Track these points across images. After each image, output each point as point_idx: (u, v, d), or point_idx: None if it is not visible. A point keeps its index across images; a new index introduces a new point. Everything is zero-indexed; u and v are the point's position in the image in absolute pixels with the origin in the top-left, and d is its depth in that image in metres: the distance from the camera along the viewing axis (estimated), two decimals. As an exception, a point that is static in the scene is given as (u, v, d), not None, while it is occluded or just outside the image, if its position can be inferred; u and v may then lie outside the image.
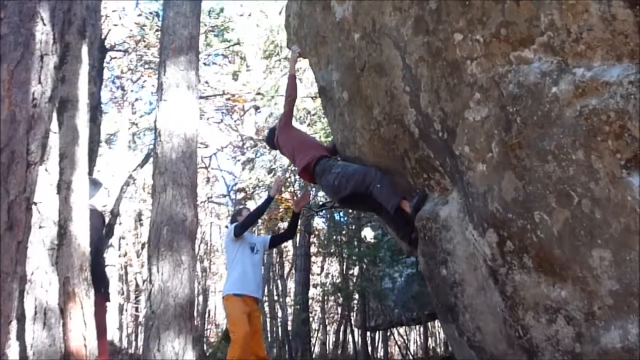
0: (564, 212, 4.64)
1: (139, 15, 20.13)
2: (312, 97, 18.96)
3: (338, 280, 24.77)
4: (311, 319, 25.59)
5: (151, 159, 10.67)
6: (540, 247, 4.86)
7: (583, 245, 4.54)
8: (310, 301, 22.98)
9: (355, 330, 22.94)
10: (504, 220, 5.09)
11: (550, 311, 4.94)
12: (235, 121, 23.17)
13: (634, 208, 4.23)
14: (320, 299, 28.72)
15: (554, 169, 4.66)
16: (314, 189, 19.37)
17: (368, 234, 20.40)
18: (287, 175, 19.30)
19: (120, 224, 21.21)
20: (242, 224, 8.45)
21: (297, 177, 19.10)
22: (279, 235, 9.84)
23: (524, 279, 5.10)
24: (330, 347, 28.67)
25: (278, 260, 25.89)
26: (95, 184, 7.23)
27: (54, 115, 5.02)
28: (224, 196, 27.23)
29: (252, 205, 20.68)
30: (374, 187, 7.07)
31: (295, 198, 9.28)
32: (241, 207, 10.36)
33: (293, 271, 24.11)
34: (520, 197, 4.93)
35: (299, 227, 20.89)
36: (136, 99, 23.70)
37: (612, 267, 4.40)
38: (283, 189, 19.56)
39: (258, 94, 19.42)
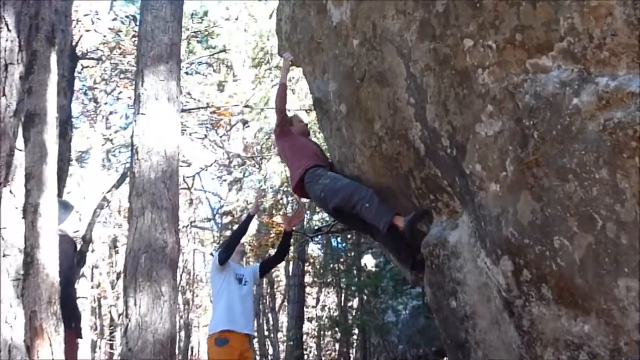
0: (587, 237, 4.63)
1: (114, 19, 20.20)
2: (306, 110, 18.98)
3: (335, 314, 24.79)
4: (306, 356, 25.53)
5: (127, 179, 10.66)
6: (560, 276, 4.85)
7: (608, 273, 4.54)
8: (304, 337, 22.96)
9: (355, 368, 22.92)
10: (520, 246, 5.09)
11: (572, 347, 4.93)
12: (220, 137, 23.21)
13: (664, 232, 4.23)
14: (316, 334, 28.71)
15: (576, 189, 4.65)
16: (308, 211, 19.38)
17: (369, 261, 20.43)
18: (279, 197, 19.29)
19: (93, 251, 21.21)
20: (225, 248, 8.43)
21: (290, 198, 19.18)
22: (269, 260, 9.76)
23: (543, 312, 5.10)
24: (328, 387, 28.64)
25: (269, 291, 25.92)
26: (65, 207, 7.22)
27: (20, 130, 5.03)
28: (209, 220, 27.27)
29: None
30: (362, 206, 7.07)
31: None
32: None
33: (285, 303, 24.14)
34: (538, 221, 4.93)
35: (291, 253, 20.94)
36: (111, 112, 23.75)
37: (641, 298, 4.40)
38: (274, 211, 19.58)
39: (246, 106, 19.45)
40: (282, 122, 8.40)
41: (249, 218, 8.94)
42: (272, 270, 24.43)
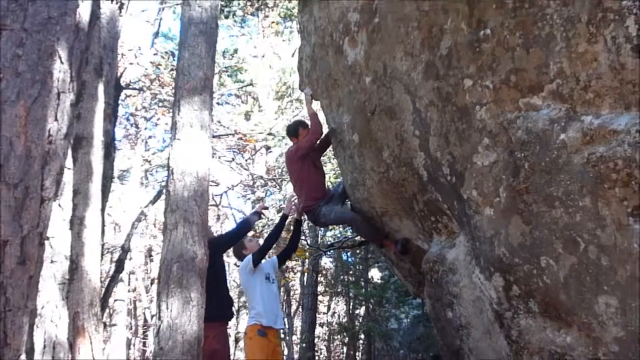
0: (571, 258, 4.61)
1: (155, 54, 20.28)
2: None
3: (344, 320, 24.68)
4: (317, 358, 25.42)
5: (163, 196, 10.64)
6: (546, 292, 4.83)
7: (589, 291, 4.51)
8: (316, 340, 22.84)
9: (361, 370, 22.80)
10: (511, 265, 5.07)
11: (556, 357, 4.90)
12: (246, 160, 23.21)
13: (640, 255, 4.21)
14: (326, 338, 28.63)
15: (561, 215, 4.64)
16: (322, 229, 19.39)
17: (375, 274, 20.38)
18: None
19: (130, 259, 21.15)
20: (260, 252, 8.38)
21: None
22: (284, 250, 9.54)
23: (530, 324, 5.07)
24: (336, 386, 28.50)
25: (285, 298, 25.84)
26: None
27: (69, 151, 5.05)
28: (234, 234, 27.07)
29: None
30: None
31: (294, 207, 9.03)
32: (246, 238, 9.97)
33: (300, 310, 24.02)
34: (527, 242, 4.91)
35: (306, 265, 20.92)
36: (150, 137, 23.76)
37: (618, 314, 4.37)
38: (291, 227, 19.55)
39: (269, 134, 19.43)
40: (310, 147, 8.43)
41: (284, 219, 8.91)
42: (289, 281, 24.44)
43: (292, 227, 8.95)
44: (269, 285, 8.40)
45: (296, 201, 8.85)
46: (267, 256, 8.67)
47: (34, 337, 4.69)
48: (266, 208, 8.98)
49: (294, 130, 8.92)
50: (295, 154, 8.58)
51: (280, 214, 9.31)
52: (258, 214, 8.81)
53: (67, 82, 3.51)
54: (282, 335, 24.95)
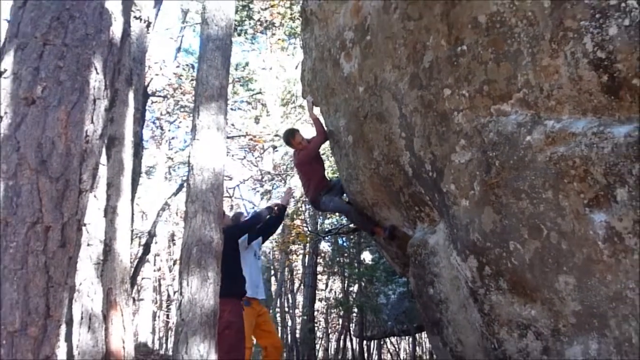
0: (535, 243, 4.63)
1: (177, 66, 20.29)
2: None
3: (340, 296, 24.68)
4: (316, 328, 25.41)
5: (184, 189, 10.64)
6: (513, 272, 4.84)
7: (551, 271, 4.53)
8: (315, 313, 22.83)
9: (354, 339, 22.81)
10: (483, 248, 5.08)
11: (522, 327, 4.92)
12: (255, 158, 23.19)
13: (595, 241, 4.22)
14: (325, 311, 28.66)
15: (527, 206, 4.65)
16: (321, 216, 19.38)
17: (367, 256, 20.38)
18: (299, 205, 19.27)
19: (156, 243, 21.16)
20: (257, 232, 8.38)
21: (308, 206, 19.15)
22: (268, 230, 9.47)
23: (500, 299, 5.08)
24: (332, 353, 28.47)
25: (289, 277, 25.87)
26: None
27: (104, 150, 5.06)
28: (245, 222, 27.02)
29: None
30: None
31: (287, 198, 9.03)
32: (238, 212, 9.97)
33: (302, 287, 24.04)
34: (498, 229, 4.92)
35: (307, 248, 20.91)
36: (172, 138, 23.67)
37: (576, 291, 4.39)
38: (295, 216, 19.54)
39: (276, 135, 19.45)
40: (315, 148, 8.65)
41: (281, 207, 8.82)
42: (293, 261, 24.45)
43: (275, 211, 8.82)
44: (256, 261, 8.46)
45: (293, 193, 8.94)
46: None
47: (73, 309, 4.72)
48: (277, 206, 8.94)
49: (287, 141, 9.11)
50: (307, 157, 8.73)
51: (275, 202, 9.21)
52: (270, 209, 8.77)
53: (102, 90, 3.51)
54: (287, 309, 25.01)
